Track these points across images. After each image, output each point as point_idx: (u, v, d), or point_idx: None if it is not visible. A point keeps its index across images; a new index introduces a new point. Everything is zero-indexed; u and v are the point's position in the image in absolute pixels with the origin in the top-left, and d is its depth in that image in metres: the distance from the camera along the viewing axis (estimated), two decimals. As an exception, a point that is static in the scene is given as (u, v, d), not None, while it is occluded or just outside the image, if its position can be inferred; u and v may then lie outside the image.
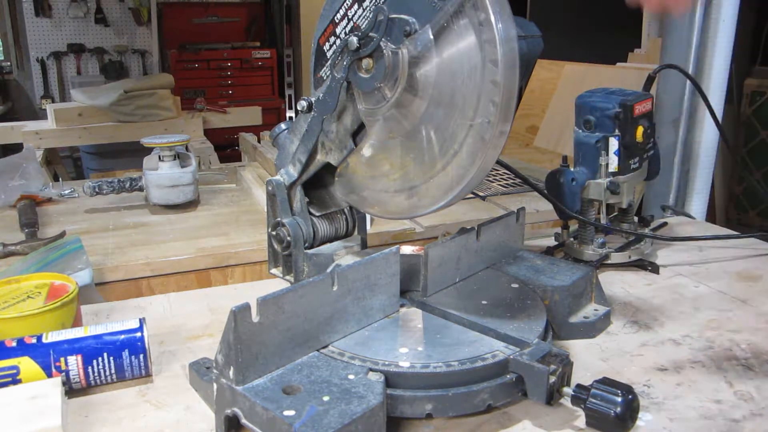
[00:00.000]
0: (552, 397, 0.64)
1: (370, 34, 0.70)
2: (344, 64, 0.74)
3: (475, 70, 0.64)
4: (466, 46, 0.64)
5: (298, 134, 0.84)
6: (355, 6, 0.73)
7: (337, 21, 0.75)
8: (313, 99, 0.80)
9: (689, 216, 1.42)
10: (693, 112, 1.52)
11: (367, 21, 0.72)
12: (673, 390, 0.72)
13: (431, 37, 0.67)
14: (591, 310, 0.86)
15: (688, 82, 1.48)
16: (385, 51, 0.69)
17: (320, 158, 0.84)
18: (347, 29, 0.75)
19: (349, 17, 0.74)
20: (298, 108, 0.82)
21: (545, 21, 4.09)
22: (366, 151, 0.77)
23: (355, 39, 0.71)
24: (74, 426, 0.65)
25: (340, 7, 0.74)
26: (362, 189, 0.80)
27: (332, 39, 0.77)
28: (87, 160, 3.65)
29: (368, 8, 0.72)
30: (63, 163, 3.36)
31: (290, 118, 5.41)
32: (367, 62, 0.72)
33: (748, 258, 1.12)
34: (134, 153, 2.37)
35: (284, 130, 0.89)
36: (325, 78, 0.79)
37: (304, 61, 5.21)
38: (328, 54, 0.78)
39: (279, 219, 0.86)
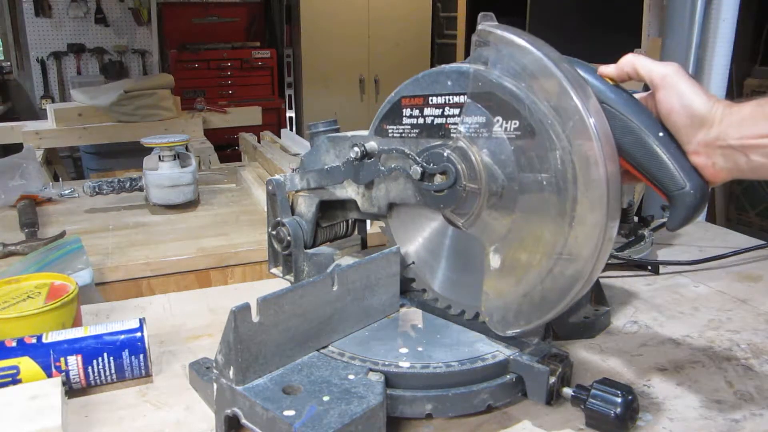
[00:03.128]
0: (552, 398, 0.64)
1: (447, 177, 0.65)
2: (398, 169, 0.70)
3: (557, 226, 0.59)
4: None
5: (334, 152, 0.80)
6: (456, 111, 0.65)
7: (430, 102, 0.68)
8: (367, 147, 0.74)
9: (689, 216, 1.42)
10: (693, 112, 1.52)
11: (455, 169, 0.65)
12: (673, 390, 0.72)
13: (516, 191, 0.62)
14: (591, 310, 0.86)
15: (688, 82, 1.48)
16: (462, 192, 0.65)
17: (349, 191, 0.80)
18: (435, 119, 0.68)
19: (444, 113, 0.67)
20: (351, 155, 0.75)
21: (545, 21, 4.11)
22: (494, 262, 0.65)
23: (419, 170, 0.67)
24: (74, 426, 0.65)
25: (440, 95, 0.67)
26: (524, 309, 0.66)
27: (415, 111, 0.70)
28: (87, 160, 3.65)
29: (467, 126, 0.64)
30: (63, 163, 3.36)
31: (290, 118, 5.41)
32: (439, 178, 0.67)
33: (748, 258, 1.12)
34: (134, 153, 2.37)
35: (321, 131, 0.83)
36: (389, 134, 0.73)
37: (304, 61, 5.21)
38: (403, 120, 0.71)
39: (279, 218, 0.86)
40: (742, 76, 3.23)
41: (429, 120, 0.68)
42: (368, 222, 1.44)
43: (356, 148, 0.74)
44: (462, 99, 0.64)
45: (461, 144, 0.65)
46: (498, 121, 0.61)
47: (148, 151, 1.68)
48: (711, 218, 1.82)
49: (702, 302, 0.95)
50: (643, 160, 0.60)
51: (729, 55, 1.49)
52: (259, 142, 2.26)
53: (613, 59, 0.66)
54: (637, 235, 1.11)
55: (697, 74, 1.50)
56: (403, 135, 0.71)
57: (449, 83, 0.65)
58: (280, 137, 2.28)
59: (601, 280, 1.01)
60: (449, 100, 0.66)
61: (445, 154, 0.66)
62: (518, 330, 0.65)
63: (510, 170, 0.61)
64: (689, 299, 0.96)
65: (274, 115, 5.11)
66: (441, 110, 0.67)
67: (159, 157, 1.60)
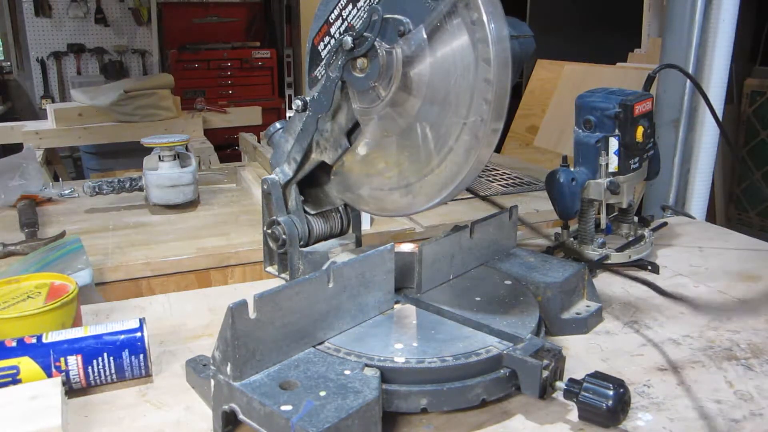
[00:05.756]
0: (545, 391, 0.65)
1: (365, 34, 0.71)
2: (339, 63, 0.74)
3: (468, 69, 0.64)
4: (459, 45, 0.65)
5: (293, 133, 0.85)
6: (350, 6, 0.73)
7: (331, 21, 0.76)
8: (308, 98, 0.81)
9: (689, 216, 1.42)
10: (693, 112, 1.52)
11: (361, 21, 0.72)
12: (673, 390, 0.72)
13: (425, 36, 0.67)
14: (583, 307, 0.86)
15: (688, 82, 1.48)
16: (379, 51, 0.70)
17: (315, 157, 0.84)
18: (341, 29, 0.75)
19: (344, 17, 0.74)
20: (294, 107, 0.83)
21: (545, 21, 4.11)
22: (361, 149, 0.78)
23: (349, 39, 0.72)
24: (74, 426, 0.65)
25: (335, 7, 0.75)
26: (358, 187, 0.81)
27: (327, 39, 0.77)
28: (87, 160, 3.65)
29: (362, 8, 0.72)
30: (63, 163, 3.37)
31: (289, 117, 5.41)
32: (361, 62, 0.72)
33: (748, 258, 1.12)
34: (134, 153, 2.37)
35: (279, 129, 0.89)
36: (320, 77, 0.79)
37: (304, 61, 5.22)
38: (323, 54, 0.78)
39: (274, 217, 0.86)
40: (742, 76, 3.23)
41: (337, 34, 0.75)
42: (368, 221, 1.44)
43: (297, 101, 0.81)
44: None
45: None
46: None
47: (148, 151, 1.68)
48: (711, 218, 1.82)
49: (702, 302, 0.95)
50: None
51: (729, 55, 1.49)
52: (259, 142, 2.26)
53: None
54: (637, 235, 1.11)
55: (697, 74, 1.49)
56: (328, 64, 0.77)
57: None
58: (280, 137, 2.28)
59: (602, 280, 1.01)
60: (341, 4, 0.73)
61: (357, 31, 0.72)
62: (441, 197, 0.70)
63: (412, 9, 0.68)
64: (689, 299, 0.96)
65: (274, 115, 5.11)
66: (341, 19, 0.74)
67: (159, 157, 1.60)
